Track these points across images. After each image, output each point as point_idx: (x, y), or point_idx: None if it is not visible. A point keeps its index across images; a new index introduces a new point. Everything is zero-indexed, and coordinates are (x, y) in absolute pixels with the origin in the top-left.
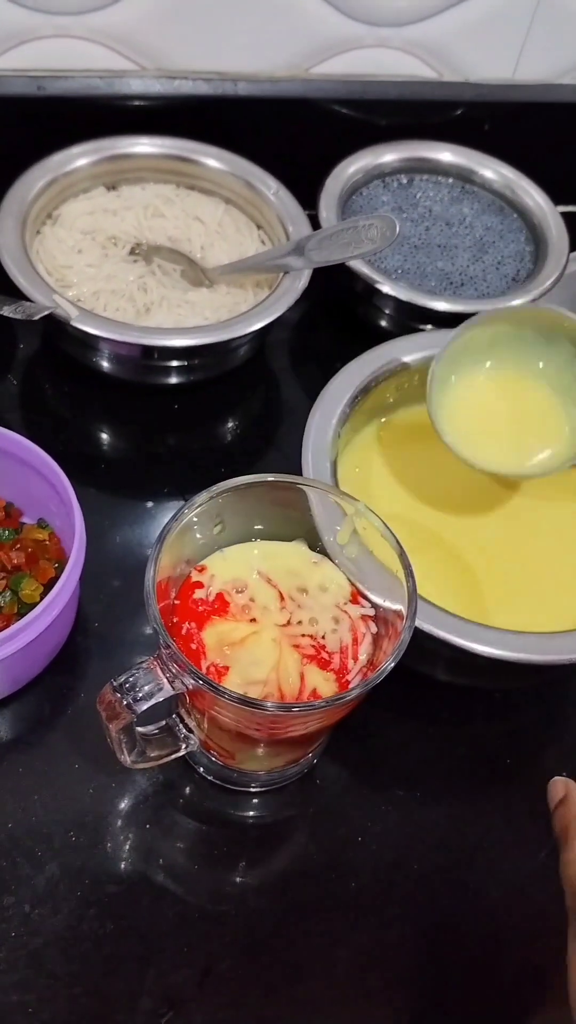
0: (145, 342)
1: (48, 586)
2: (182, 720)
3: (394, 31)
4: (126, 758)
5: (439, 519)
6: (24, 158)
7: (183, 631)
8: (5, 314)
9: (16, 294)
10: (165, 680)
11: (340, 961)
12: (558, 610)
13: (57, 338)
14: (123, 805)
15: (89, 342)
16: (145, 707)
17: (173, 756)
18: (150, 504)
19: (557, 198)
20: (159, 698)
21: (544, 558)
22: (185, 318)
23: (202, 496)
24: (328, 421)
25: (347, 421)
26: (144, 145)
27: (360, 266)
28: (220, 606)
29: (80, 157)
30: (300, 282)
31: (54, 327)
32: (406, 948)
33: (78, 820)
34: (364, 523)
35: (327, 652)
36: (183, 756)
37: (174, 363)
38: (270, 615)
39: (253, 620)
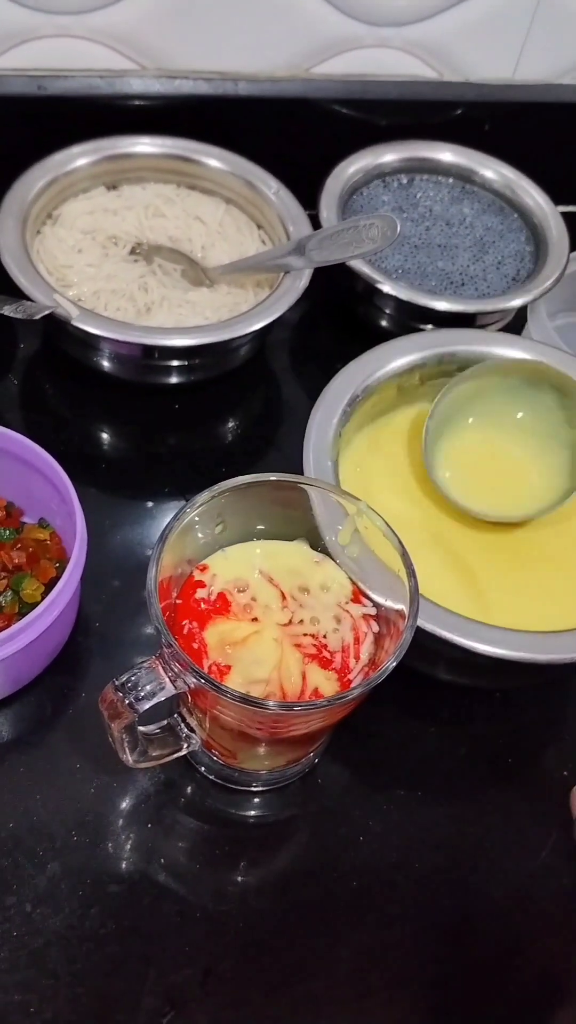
0: (146, 342)
1: (49, 586)
2: (184, 719)
3: (394, 31)
4: (128, 758)
5: (440, 518)
6: (24, 158)
7: (185, 630)
8: (6, 313)
9: (17, 294)
10: (167, 679)
11: (341, 961)
12: (559, 609)
13: (58, 338)
14: (124, 805)
15: (90, 342)
16: (147, 706)
17: (175, 755)
18: (151, 504)
19: (557, 198)
20: (161, 697)
21: (545, 557)
22: (186, 318)
23: (204, 495)
24: (329, 421)
25: (348, 421)
26: (144, 145)
27: (360, 266)
28: (222, 605)
29: (80, 157)
30: (301, 282)
31: (55, 327)
32: (407, 948)
33: (79, 820)
34: (366, 522)
35: (329, 651)
36: (185, 755)
37: (175, 363)
38: (272, 614)
39: (255, 619)
